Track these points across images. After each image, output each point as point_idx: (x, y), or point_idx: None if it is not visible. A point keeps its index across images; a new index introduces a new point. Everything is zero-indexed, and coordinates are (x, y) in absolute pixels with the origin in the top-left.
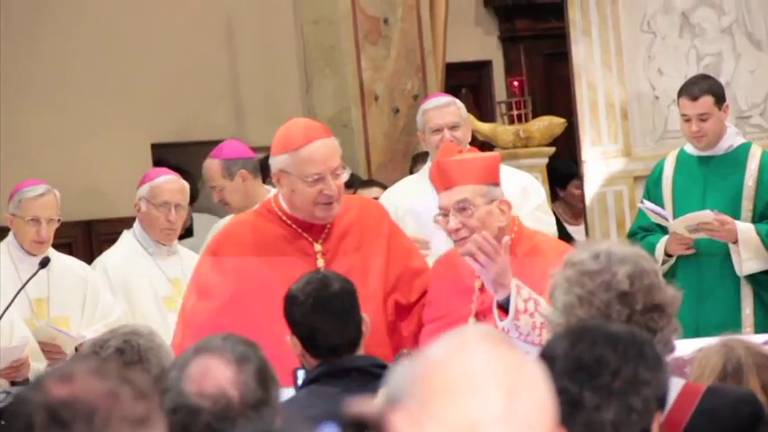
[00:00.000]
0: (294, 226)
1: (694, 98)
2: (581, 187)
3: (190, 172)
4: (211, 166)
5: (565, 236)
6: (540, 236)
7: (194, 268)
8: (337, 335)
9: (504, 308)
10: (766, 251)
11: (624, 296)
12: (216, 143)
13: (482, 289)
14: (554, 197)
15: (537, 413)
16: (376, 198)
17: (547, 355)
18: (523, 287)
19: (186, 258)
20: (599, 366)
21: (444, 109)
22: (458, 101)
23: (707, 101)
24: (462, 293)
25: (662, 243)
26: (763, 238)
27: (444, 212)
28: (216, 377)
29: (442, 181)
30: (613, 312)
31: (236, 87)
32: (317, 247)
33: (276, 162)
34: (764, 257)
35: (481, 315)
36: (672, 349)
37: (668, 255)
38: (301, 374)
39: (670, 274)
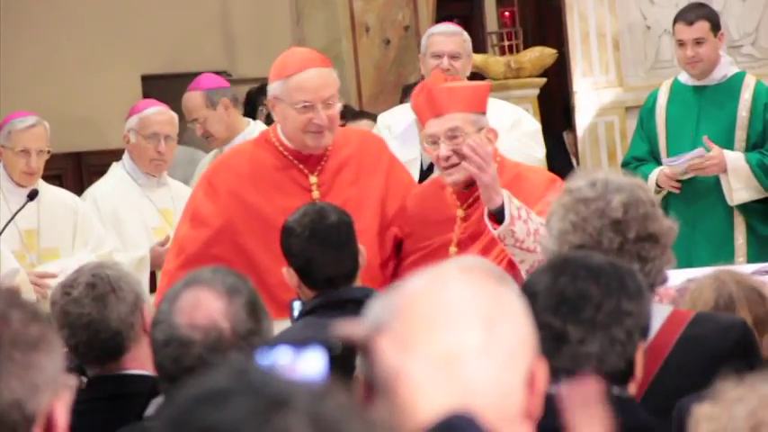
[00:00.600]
0: (290, 157)
1: (690, 23)
2: None
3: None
4: (193, 98)
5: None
6: (522, 166)
7: (190, 195)
8: (333, 266)
9: (495, 218)
10: (756, 180)
11: (617, 224)
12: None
13: (465, 218)
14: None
15: (516, 343)
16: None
17: (529, 290)
18: (513, 197)
19: (176, 190)
20: (582, 300)
21: (450, 37)
22: (466, 33)
23: (703, 26)
24: (444, 223)
25: (654, 174)
26: (753, 166)
27: (434, 140)
28: (207, 309)
29: (432, 108)
30: (605, 240)
31: (226, 19)
32: (313, 179)
33: (271, 88)
34: (755, 186)
35: (462, 244)
36: (664, 280)
37: (659, 186)
38: (297, 306)
39: (662, 204)
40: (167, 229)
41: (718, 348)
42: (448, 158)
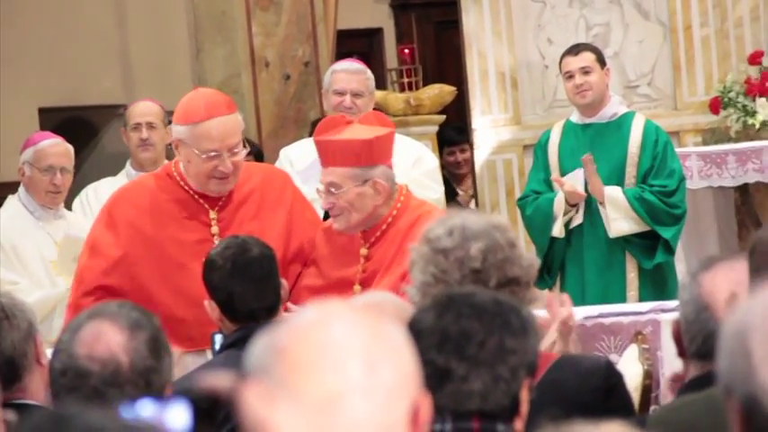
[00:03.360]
0: (191, 192)
1: (576, 53)
2: (453, 153)
3: (81, 135)
4: (153, 106)
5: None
6: (426, 206)
7: (91, 226)
8: (255, 300)
9: None
10: (634, 212)
11: (477, 273)
12: (104, 108)
13: (367, 257)
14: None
15: (399, 381)
16: None
17: (413, 328)
18: None
19: (73, 222)
20: (464, 339)
21: (353, 75)
22: (369, 72)
23: (589, 56)
24: (348, 257)
25: (560, 197)
26: (630, 198)
27: (322, 188)
28: (107, 341)
29: (320, 158)
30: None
31: (125, 52)
32: (213, 214)
33: (176, 131)
34: (633, 218)
35: (364, 282)
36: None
37: (570, 205)
38: (219, 339)
39: (568, 227)
40: None
41: (577, 393)
42: (331, 209)
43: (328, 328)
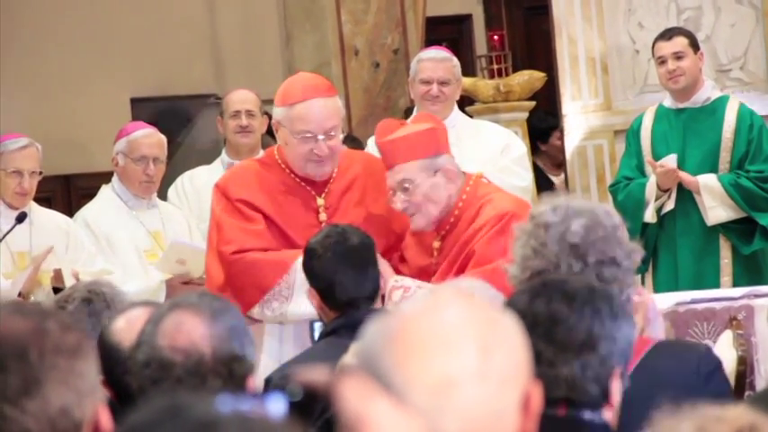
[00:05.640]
0: (297, 179)
1: (669, 38)
2: (562, 138)
3: (173, 125)
4: (251, 94)
5: (548, 184)
6: (487, 198)
7: (210, 221)
8: (355, 288)
9: None
10: (731, 199)
11: (575, 248)
12: (195, 97)
13: (440, 249)
14: (534, 151)
15: (511, 368)
16: None
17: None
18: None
19: (166, 211)
20: (554, 323)
21: (439, 63)
22: (455, 59)
23: (682, 40)
24: (424, 249)
25: (653, 178)
26: (726, 185)
27: (392, 191)
28: (189, 332)
29: (385, 161)
30: (563, 264)
31: (215, 42)
32: (320, 201)
33: (275, 113)
34: (730, 205)
35: (439, 274)
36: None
37: (661, 190)
38: (318, 327)
39: (659, 213)
40: (158, 251)
41: (675, 378)
42: (405, 209)
43: (442, 313)
